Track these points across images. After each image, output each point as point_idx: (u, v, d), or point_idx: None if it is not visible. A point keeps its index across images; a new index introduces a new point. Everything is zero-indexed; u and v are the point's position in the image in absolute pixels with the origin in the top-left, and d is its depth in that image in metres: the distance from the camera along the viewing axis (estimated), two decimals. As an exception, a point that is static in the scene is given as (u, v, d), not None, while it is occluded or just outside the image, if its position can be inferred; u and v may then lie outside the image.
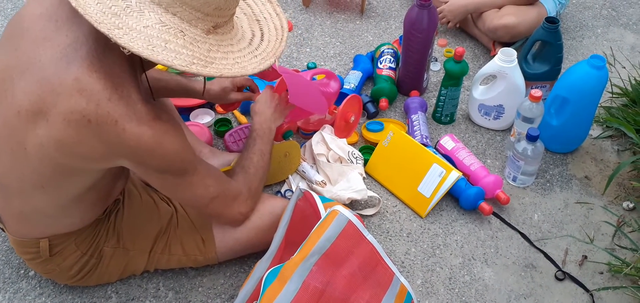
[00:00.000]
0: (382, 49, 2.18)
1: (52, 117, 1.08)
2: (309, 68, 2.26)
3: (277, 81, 1.79)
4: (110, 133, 1.08)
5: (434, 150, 1.81)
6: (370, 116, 2.03)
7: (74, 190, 1.23)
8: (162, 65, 1.04)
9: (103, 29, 0.99)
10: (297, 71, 2.06)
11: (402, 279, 1.39)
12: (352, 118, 1.87)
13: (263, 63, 1.21)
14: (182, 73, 1.78)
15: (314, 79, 1.97)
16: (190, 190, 1.27)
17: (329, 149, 1.80)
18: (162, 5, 1.06)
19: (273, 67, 1.65)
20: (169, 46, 1.04)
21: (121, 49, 1.01)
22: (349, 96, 1.85)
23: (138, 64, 1.20)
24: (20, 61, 1.12)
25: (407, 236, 1.66)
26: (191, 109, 2.00)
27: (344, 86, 2.07)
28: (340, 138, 1.85)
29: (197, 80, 1.72)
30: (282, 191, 1.74)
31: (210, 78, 1.77)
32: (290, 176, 1.76)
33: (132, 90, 1.11)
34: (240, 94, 1.76)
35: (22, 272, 1.54)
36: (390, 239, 1.65)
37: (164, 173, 1.19)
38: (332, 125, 1.88)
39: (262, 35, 1.29)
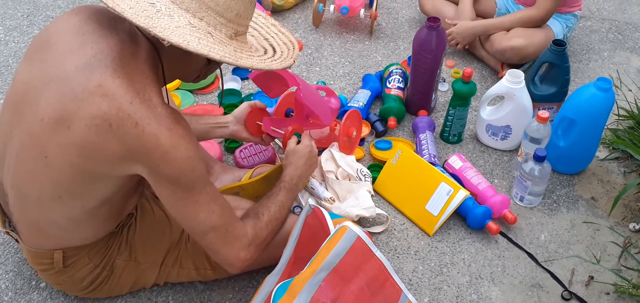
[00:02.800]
0: (390, 69, 2.21)
1: (74, 124, 1.11)
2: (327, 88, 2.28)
3: (281, 96, 1.82)
4: (129, 135, 1.11)
5: (442, 169, 1.83)
6: (379, 134, 2.05)
7: (89, 203, 1.25)
8: (200, 53, 1.10)
9: (143, 24, 1.07)
10: None
11: (410, 296, 1.40)
12: (354, 133, 1.88)
13: (284, 63, 1.31)
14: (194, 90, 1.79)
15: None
16: (193, 210, 1.23)
17: (338, 166, 1.82)
18: (190, 11, 1.14)
19: (281, 75, 1.69)
20: (202, 41, 1.12)
21: (162, 41, 1.08)
22: (348, 111, 1.86)
23: (160, 75, 1.24)
24: (46, 73, 1.16)
25: (415, 254, 1.67)
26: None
27: (352, 104, 2.09)
28: (344, 153, 1.87)
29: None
30: (291, 207, 1.76)
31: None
32: (299, 193, 1.77)
33: (154, 94, 1.15)
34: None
35: (34, 283, 1.56)
36: (397, 256, 1.66)
37: (174, 183, 1.19)
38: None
39: (274, 49, 1.37)
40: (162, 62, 1.24)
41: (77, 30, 1.18)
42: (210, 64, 1.33)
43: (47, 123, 1.14)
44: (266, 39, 1.40)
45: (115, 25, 1.20)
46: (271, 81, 1.75)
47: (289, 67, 1.32)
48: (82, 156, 1.14)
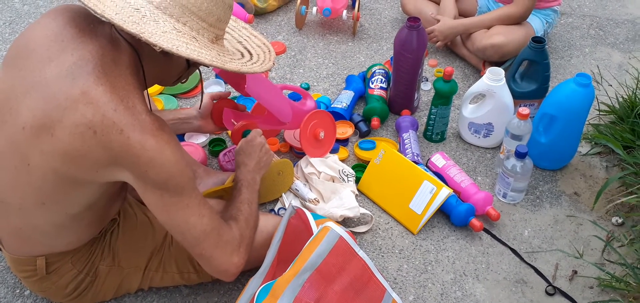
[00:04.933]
0: (373, 69, 2.22)
1: (57, 131, 1.11)
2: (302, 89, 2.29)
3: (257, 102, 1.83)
4: (114, 142, 1.11)
5: (425, 168, 1.83)
6: (363, 134, 2.06)
7: (72, 208, 1.24)
8: (190, 58, 1.13)
9: (132, 29, 1.09)
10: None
11: (394, 295, 1.41)
12: (322, 134, 1.83)
13: (264, 66, 1.35)
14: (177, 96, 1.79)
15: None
16: (183, 214, 1.22)
17: (319, 172, 1.81)
18: (174, 17, 1.16)
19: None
20: (190, 46, 1.15)
21: (153, 46, 1.10)
22: (314, 110, 1.83)
23: (142, 79, 1.24)
24: (26, 80, 1.16)
25: (399, 253, 1.68)
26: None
27: (336, 105, 2.10)
28: (311, 156, 1.83)
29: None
30: (276, 209, 1.76)
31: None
32: (283, 195, 1.78)
33: (137, 101, 1.15)
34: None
35: (18, 291, 1.55)
36: (382, 256, 1.67)
37: (162, 189, 1.18)
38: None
39: (250, 53, 1.40)
40: (143, 66, 1.24)
41: (55, 35, 1.17)
42: (190, 68, 1.35)
43: (30, 131, 1.14)
44: (240, 43, 1.42)
45: (95, 29, 1.20)
46: (239, 76, 1.75)
47: (270, 70, 1.34)
48: (66, 163, 1.14)
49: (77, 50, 1.15)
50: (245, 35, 1.46)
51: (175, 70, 1.33)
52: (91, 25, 1.21)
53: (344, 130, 2.05)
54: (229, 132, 2.04)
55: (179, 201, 1.22)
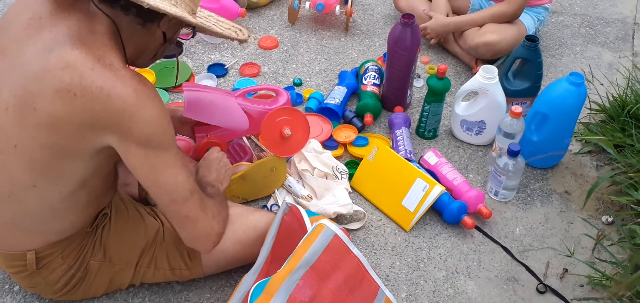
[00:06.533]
0: (366, 65, 2.21)
1: (39, 104, 1.11)
2: (295, 84, 2.28)
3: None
4: (95, 101, 1.10)
5: (418, 165, 1.84)
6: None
7: (66, 187, 1.23)
8: (177, 16, 1.16)
9: None
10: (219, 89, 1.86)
11: (388, 292, 1.41)
12: (287, 131, 1.68)
13: (240, 35, 1.40)
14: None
15: (249, 95, 1.88)
16: (171, 172, 1.21)
17: (313, 167, 1.81)
18: None
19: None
20: (173, 8, 1.16)
21: (140, 3, 1.10)
22: (280, 107, 1.71)
23: (122, 50, 1.23)
24: (6, 62, 1.16)
25: (392, 250, 1.68)
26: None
27: (329, 101, 2.09)
28: (279, 154, 1.73)
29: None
30: (268, 205, 1.76)
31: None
32: (276, 191, 1.77)
33: (115, 59, 1.14)
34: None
35: (7, 286, 1.54)
36: (375, 253, 1.67)
37: (146, 147, 1.16)
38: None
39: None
40: (122, 41, 1.23)
41: (33, 13, 1.17)
42: (165, 43, 1.33)
43: (12, 111, 1.14)
44: (210, 26, 1.41)
45: (73, 4, 1.19)
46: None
47: (246, 40, 1.42)
48: (52, 134, 1.13)
49: (54, 26, 1.15)
50: (214, 21, 1.46)
51: (153, 45, 1.31)
52: (70, 0, 1.20)
53: (348, 134, 2.02)
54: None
55: (165, 159, 1.20)
